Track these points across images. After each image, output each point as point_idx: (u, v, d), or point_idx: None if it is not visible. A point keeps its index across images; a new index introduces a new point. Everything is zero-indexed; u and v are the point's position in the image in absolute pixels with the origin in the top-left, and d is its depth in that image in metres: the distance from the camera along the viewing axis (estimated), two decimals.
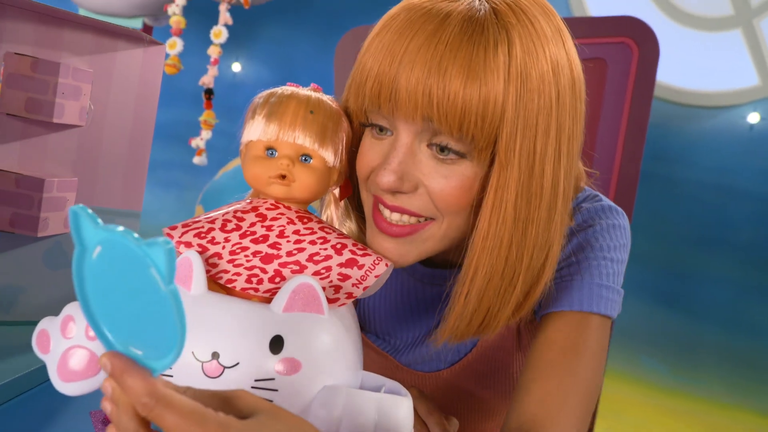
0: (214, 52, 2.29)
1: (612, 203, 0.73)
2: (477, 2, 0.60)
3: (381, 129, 0.63)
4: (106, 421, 0.84)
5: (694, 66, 2.39)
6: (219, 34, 2.27)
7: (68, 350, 0.57)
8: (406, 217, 0.63)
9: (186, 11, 2.26)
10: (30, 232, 0.99)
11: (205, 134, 2.37)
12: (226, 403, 0.42)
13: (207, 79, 2.32)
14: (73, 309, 0.58)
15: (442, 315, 0.65)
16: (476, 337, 0.66)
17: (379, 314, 0.81)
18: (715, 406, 2.30)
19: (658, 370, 2.37)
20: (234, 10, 2.27)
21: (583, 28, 1.54)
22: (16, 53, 0.99)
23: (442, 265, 0.75)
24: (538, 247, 0.61)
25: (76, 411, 0.84)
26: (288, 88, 0.65)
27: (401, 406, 0.55)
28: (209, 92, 2.35)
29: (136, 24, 2.59)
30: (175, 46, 2.22)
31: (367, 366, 0.79)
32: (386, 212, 0.64)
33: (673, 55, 2.35)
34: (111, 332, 0.41)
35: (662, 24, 2.36)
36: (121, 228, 0.37)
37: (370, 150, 0.64)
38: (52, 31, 1.01)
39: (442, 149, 0.60)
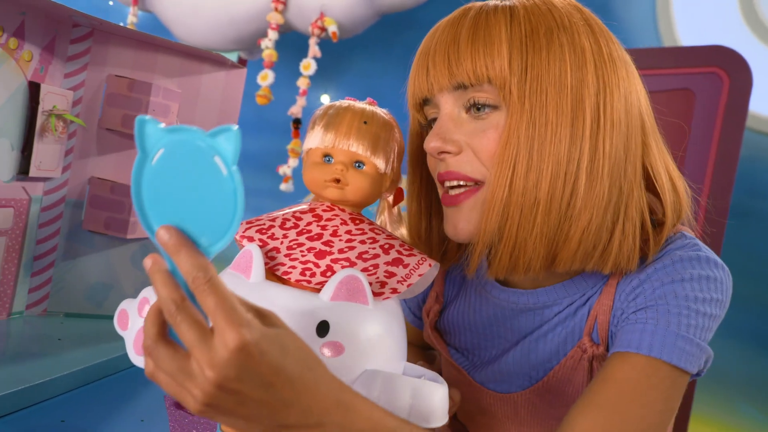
0: (303, 83, 2.36)
1: (714, 255, 0.68)
2: (491, 3, 0.68)
3: (434, 119, 0.70)
4: (178, 405, 0.91)
5: None
6: (308, 66, 2.34)
7: (142, 328, 0.65)
8: (463, 182, 0.68)
9: (278, 45, 2.36)
10: (121, 234, 1.09)
11: (292, 162, 2.43)
12: (258, 314, 0.46)
13: (295, 110, 2.39)
14: (148, 292, 0.64)
15: (471, 246, 0.68)
16: (512, 274, 0.67)
17: (462, 329, 0.83)
18: None
19: (755, 417, 2.22)
20: (323, 44, 2.34)
21: (671, 58, 1.51)
22: (116, 75, 1.10)
23: (522, 286, 0.76)
24: (559, 182, 0.62)
25: (153, 393, 0.91)
26: (345, 101, 0.70)
27: (436, 393, 0.58)
28: (297, 122, 2.42)
29: (232, 57, 2.72)
30: (266, 78, 2.31)
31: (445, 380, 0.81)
32: (447, 183, 0.69)
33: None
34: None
35: (759, 52, 2.26)
36: (184, 125, 0.43)
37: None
38: (147, 56, 1.13)
39: (478, 107, 0.66)
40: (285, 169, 2.43)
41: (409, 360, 0.66)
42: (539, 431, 0.77)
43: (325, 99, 2.88)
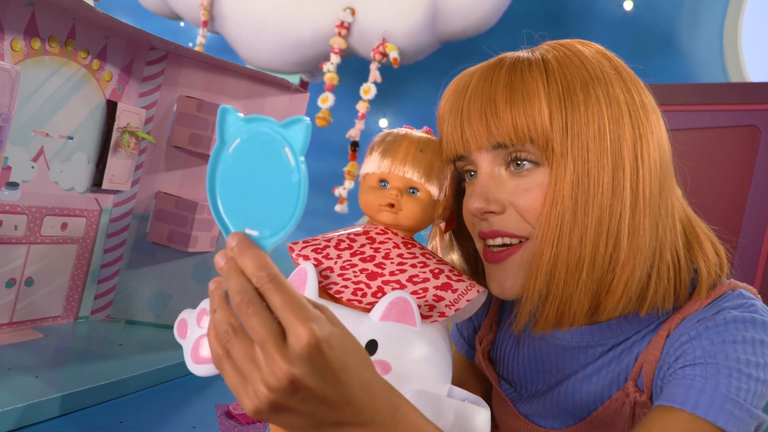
0: (362, 107, 2.40)
1: None
2: (522, 54, 0.67)
3: (471, 174, 0.69)
4: (229, 414, 0.94)
5: None
6: (368, 90, 2.37)
7: (200, 338, 0.66)
8: (507, 239, 0.67)
9: (339, 69, 2.40)
10: (182, 247, 1.14)
11: (348, 184, 2.46)
12: (315, 306, 0.46)
13: (354, 132, 2.43)
14: (207, 304, 0.67)
15: (518, 303, 0.67)
16: (557, 328, 0.67)
17: (511, 360, 0.83)
18: None
19: None
20: (384, 69, 2.38)
21: (737, 94, 1.48)
22: (187, 96, 1.16)
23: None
24: (602, 236, 0.63)
25: (205, 402, 0.95)
26: (403, 130, 0.73)
27: (479, 415, 0.59)
28: (355, 145, 2.45)
29: (294, 79, 2.78)
30: (327, 100, 2.35)
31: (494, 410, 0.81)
32: (489, 241, 0.68)
33: None
34: (230, 217, 0.48)
35: None
36: (260, 115, 0.46)
37: (467, 197, 0.70)
38: (216, 78, 1.18)
39: (518, 163, 0.65)
40: (341, 191, 2.46)
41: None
42: None
43: (384, 123, 2.90)
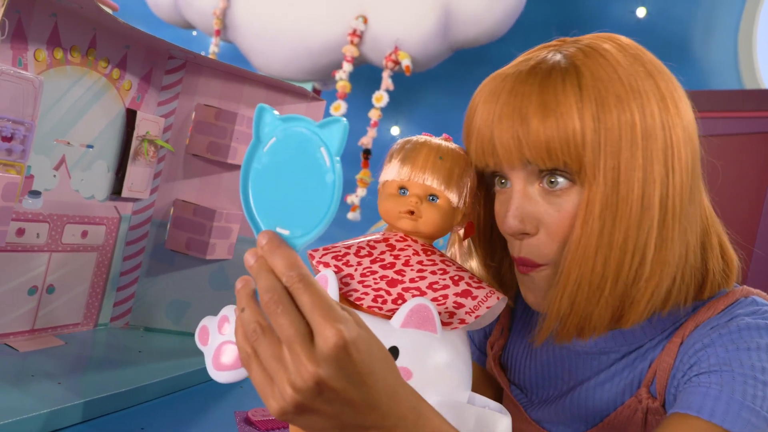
0: (374, 115, 2.41)
1: None
2: (549, 55, 0.66)
3: (502, 181, 0.69)
4: (248, 421, 0.94)
5: None
6: (380, 98, 2.39)
7: (222, 345, 0.65)
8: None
9: (352, 77, 2.42)
10: (200, 254, 1.15)
11: (360, 192, 2.47)
12: (342, 308, 0.46)
13: (366, 140, 2.44)
14: (228, 311, 0.68)
15: (541, 317, 0.67)
16: (579, 339, 0.67)
17: (522, 366, 0.84)
18: None
19: None
20: (396, 77, 2.39)
21: (752, 101, 1.47)
22: (205, 105, 1.17)
23: None
24: (628, 255, 0.62)
25: (224, 408, 0.95)
26: (422, 137, 0.73)
27: (499, 422, 0.59)
28: (367, 152, 2.47)
29: (307, 87, 2.79)
30: (339, 108, 2.37)
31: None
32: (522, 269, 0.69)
33: None
34: (261, 216, 0.48)
35: None
36: (297, 115, 0.46)
37: (500, 203, 0.70)
38: (233, 87, 1.19)
39: (551, 181, 0.65)
40: (353, 198, 2.47)
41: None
42: None
43: (396, 131, 2.91)
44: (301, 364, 0.43)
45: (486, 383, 0.94)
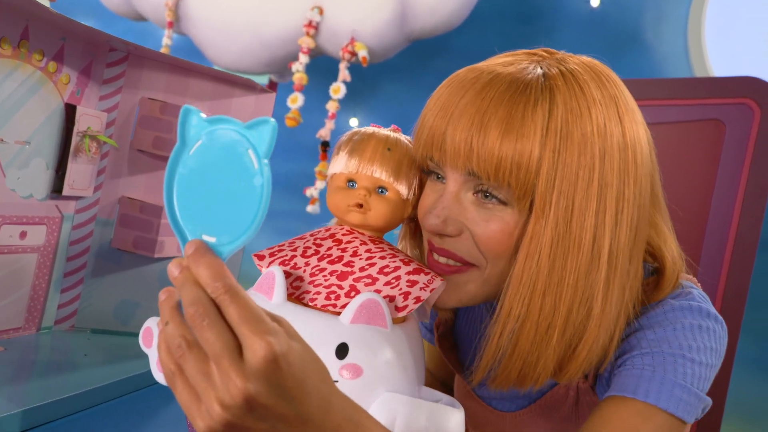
0: (332, 107, 2.39)
1: (708, 306, 0.68)
2: (531, 66, 0.64)
3: (438, 176, 0.68)
4: None
5: None
6: (338, 90, 2.36)
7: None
8: (452, 261, 0.67)
9: (309, 69, 2.38)
10: (149, 253, 1.11)
11: (319, 184, 2.45)
12: (273, 319, 0.44)
13: (324, 132, 2.41)
14: (152, 323, 0.66)
15: (478, 354, 0.67)
16: (518, 387, 0.66)
17: (468, 344, 0.85)
18: None
19: None
20: (353, 68, 2.37)
21: (701, 88, 1.50)
22: (149, 98, 1.13)
23: None
24: (576, 301, 0.61)
25: (175, 410, 0.92)
26: (370, 128, 0.72)
27: (452, 417, 0.58)
28: (325, 145, 2.44)
29: (263, 80, 2.76)
30: (296, 100, 2.34)
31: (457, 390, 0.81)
32: (435, 255, 0.68)
33: None
34: (187, 223, 0.45)
35: None
36: (224, 116, 0.44)
37: (428, 195, 0.69)
38: (179, 80, 1.16)
39: (486, 195, 0.64)
40: (312, 191, 2.45)
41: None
42: None
43: (354, 122, 2.90)
44: (229, 380, 0.41)
45: (441, 363, 0.94)
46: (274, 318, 0.44)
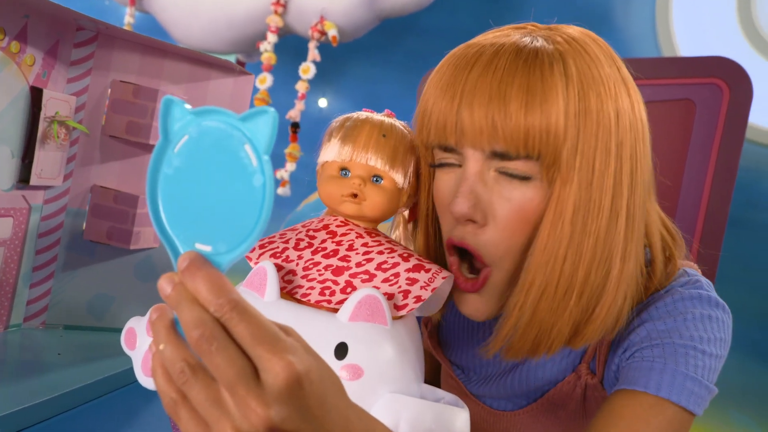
0: (301, 87, 2.35)
1: (715, 294, 0.67)
2: (529, 37, 0.62)
3: (450, 164, 0.65)
4: None
5: None
6: (307, 70, 2.33)
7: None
8: (473, 275, 0.66)
9: (277, 48, 2.34)
10: (124, 244, 1.06)
11: (290, 166, 2.42)
12: (284, 330, 0.40)
13: (294, 113, 2.38)
14: (135, 323, 0.62)
15: (497, 325, 0.65)
16: (531, 356, 0.65)
17: (459, 343, 0.82)
18: None
19: (748, 426, 2.22)
20: (322, 48, 2.33)
21: (672, 68, 1.51)
22: (121, 81, 1.08)
23: None
24: (595, 263, 0.60)
25: (155, 411, 0.89)
26: (363, 113, 0.68)
27: (458, 418, 0.56)
28: (295, 126, 2.41)
29: (230, 60, 2.71)
30: (265, 81, 2.29)
31: (444, 389, 0.79)
32: (461, 270, 0.66)
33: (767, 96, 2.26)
34: (176, 231, 0.40)
35: (757, 64, 2.27)
36: (215, 107, 0.38)
37: (445, 183, 0.66)
38: (153, 61, 1.10)
39: (510, 173, 0.61)
40: (282, 173, 2.43)
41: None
42: None
43: (323, 103, 2.87)
44: (248, 408, 0.36)
45: (426, 358, 0.92)
46: (286, 330, 0.40)
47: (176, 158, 0.40)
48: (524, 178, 0.61)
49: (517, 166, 0.60)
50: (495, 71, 0.59)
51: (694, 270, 0.72)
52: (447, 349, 0.84)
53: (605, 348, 0.70)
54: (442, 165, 0.65)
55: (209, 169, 0.39)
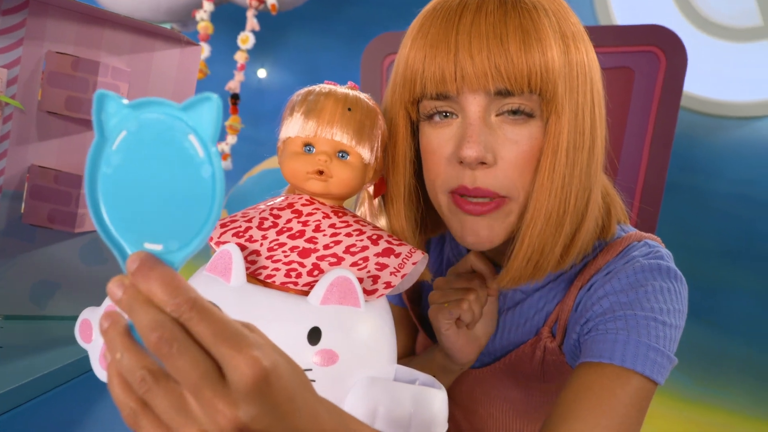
0: (240, 57, 2.31)
1: (674, 267, 0.70)
2: None
3: (445, 114, 0.66)
4: None
5: (722, 76, 2.36)
6: (246, 40, 2.28)
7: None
8: (488, 199, 0.67)
9: (214, 17, 2.28)
10: (68, 228, 1.00)
11: (231, 139, 2.38)
12: (246, 327, 0.39)
13: (233, 85, 2.33)
14: (89, 314, 0.59)
15: (506, 256, 0.68)
16: (531, 279, 0.69)
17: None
18: (740, 418, 2.26)
19: (682, 382, 2.32)
20: (261, 17, 2.29)
21: (610, 36, 1.53)
22: (57, 52, 1.01)
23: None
24: (581, 189, 0.65)
25: (111, 403, 0.84)
26: (326, 86, 0.66)
27: (436, 399, 0.55)
28: (235, 97, 2.36)
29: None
30: (202, 51, 2.23)
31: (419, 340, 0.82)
32: (468, 199, 0.67)
33: (700, 65, 2.33)
34: (122, 232, 0.39)
35: (690, 34, 2.34)
36: (153, 98, 0.36)
37: (439, 135, 0.67)
38: (92, 31, 1.03)
39: (514, 112, 0.64)
40: (223, 146, 2.39)
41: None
42: (488, 411, 0.82)
43: (262, 74, 2.82)
44: (214, 410, 0.35)
45: (403, 323, 0.93)
46: (248, 327, 0.38)
47: (115, 156, 0.38)
48: (528, 115, 0.64)
49: (524, 104, 0.64)
50: (486, 16, 0.62)
51: (655, 242, 0.75)
52: (424, 309, 0.87)
53: (566, 313, 0.72)
54: (433, 116, 0.67)
55: (152, 164, 0.37)
